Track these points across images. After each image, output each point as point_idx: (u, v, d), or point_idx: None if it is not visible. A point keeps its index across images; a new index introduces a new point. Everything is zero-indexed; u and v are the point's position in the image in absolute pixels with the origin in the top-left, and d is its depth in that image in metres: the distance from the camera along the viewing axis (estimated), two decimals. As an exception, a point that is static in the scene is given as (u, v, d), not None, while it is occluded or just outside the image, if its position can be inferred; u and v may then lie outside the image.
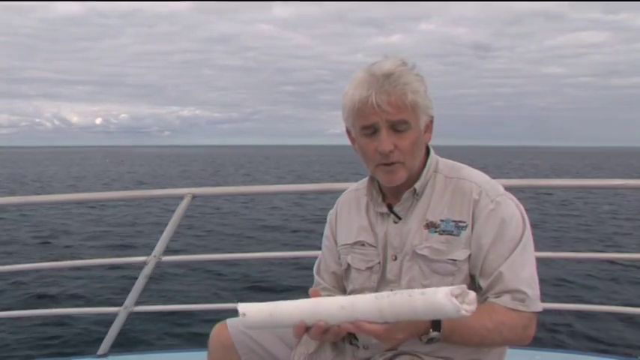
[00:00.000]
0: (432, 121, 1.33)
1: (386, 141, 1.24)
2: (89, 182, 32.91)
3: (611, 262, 8.20)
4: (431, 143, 1.38)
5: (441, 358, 1.29)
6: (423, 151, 1.35)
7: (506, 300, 1.23)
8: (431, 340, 1.17)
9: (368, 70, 1.27)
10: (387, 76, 1.23)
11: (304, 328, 1.13)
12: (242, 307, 1.13)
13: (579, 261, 8.28)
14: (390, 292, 1.08)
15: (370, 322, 1.08)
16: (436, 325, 1.15)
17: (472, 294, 1.05)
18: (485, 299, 1.26)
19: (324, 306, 1.11)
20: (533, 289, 1.24)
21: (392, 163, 1.27)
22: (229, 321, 1.46)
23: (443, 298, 1.00)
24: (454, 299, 1.01)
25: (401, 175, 1.30)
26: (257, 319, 1.13)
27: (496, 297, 1.24)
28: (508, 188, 1.36)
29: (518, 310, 1.22)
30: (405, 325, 1.11)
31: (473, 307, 1.03)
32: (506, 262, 1.24)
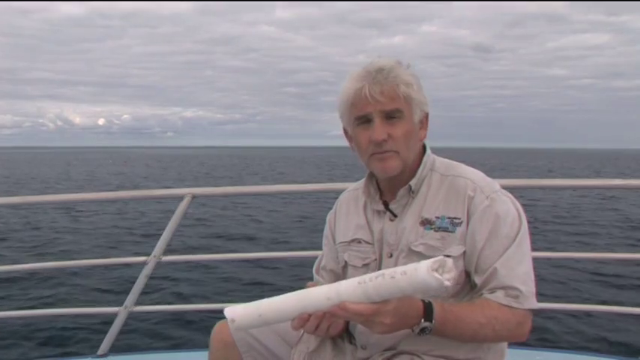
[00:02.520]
0: (426, 118, 1.35)
1: (379, 130, 1.26)
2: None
3: (611, 261, 8.20)
4: (432, 145, 1.39)
5: (441, 357, 1.29)
6: (418, 146, 1.35)
7: (499, 296, 1.23)
8: (423, 331, 1.16)
9: (363, 67, 1.31)
10: (380, 70, 1.27)
11: (306, 319, 1.13)
12: (229, 312, 1.13)
13: (578, 261, 8.28)
14: (372, 276, 1.09)
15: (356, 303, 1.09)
16: (428, 315, 1.15)
17: (449, 261, 1.06)
18: (480, 295, 1.26)
19: (310, 299, 1.11)
20: (527, 286, 1.24)
21: (385, 152, 1.29)
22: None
23: (425, 275, 1.02)
24: (436, 273, 1.02)
25: (395, 165, 1.30)
26: (246, 321, 1.14)
27: (490, 293, 1.24)
28: (507, 188, 1.36)
29: (511, 307, 1.22)
30: (393, 308, 1.10)
31: (453, 274, 1.05)
32: (500, 258, 1.24)
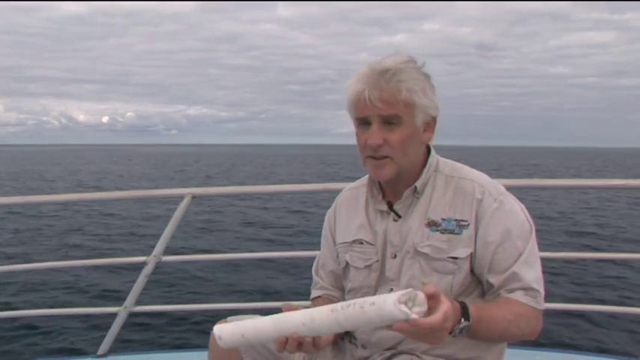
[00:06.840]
0: (434, 120, 1.32)
1: (375, 135, 1.26)
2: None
3: (611, 261, 8.21)
4: (436, 143, 1.37)
5: (440, 356, 1.29)
6: (420, 149, 1.34)
7: (519, 296, 1.25)
8: (462, 331, 1.12)
9: (370, 65, 1.28)
10: (383, 72, 1.24)
11: (284, 342, 1.15)
12: (217, 329, 1.22)
13: (579, 261, 8.28)
14: (343, 304, 1.08)
15: (424, 318, 1.02)
16: (464, 314, 1.13)
17: (421, 295, 1.03)
18: (497, 295, 1.27)
19: (286, 323, 1.15)
20: (541, 287, 1.27)
21: (380, 158, 1.29)
22: (230, 319, 1.47)
23: (392, 308, 1.01)
24: (403, 307, 1.01)
25: (388, 171, 1.30)
26: (231, 340, 1.20)
27: (509, 293, 1.26)
28: (508, 188, 1.36)
29: (530, 306, 1.25)
30: (450, 309, 1.04)
31: (423, 308, 1.03)
32: (518, 260, 1.26)
